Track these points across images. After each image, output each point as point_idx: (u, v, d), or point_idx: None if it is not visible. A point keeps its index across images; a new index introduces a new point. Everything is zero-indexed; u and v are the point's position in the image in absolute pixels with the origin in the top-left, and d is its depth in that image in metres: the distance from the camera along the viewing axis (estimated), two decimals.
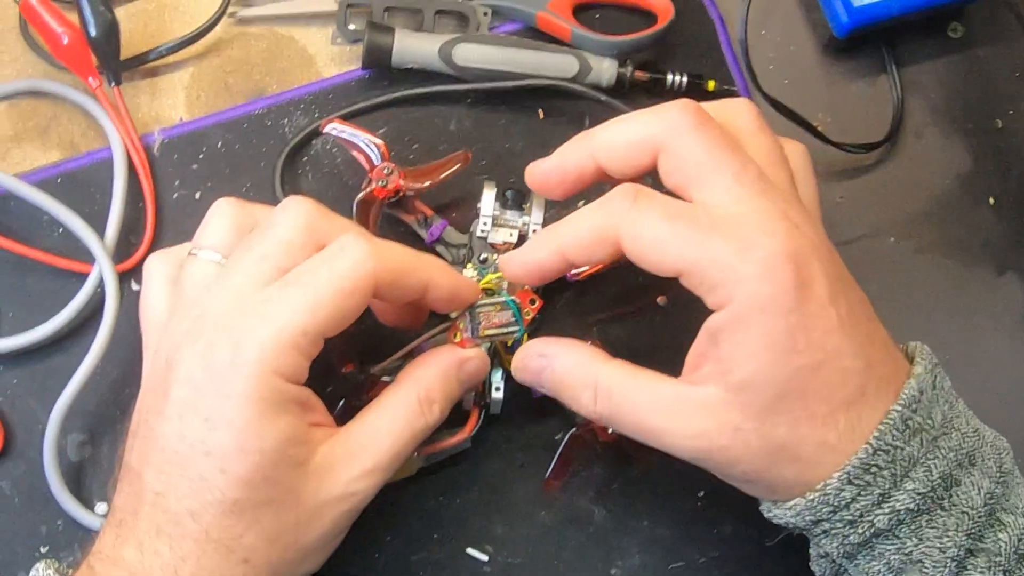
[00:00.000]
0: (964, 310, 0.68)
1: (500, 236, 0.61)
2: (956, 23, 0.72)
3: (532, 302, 0.58)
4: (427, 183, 0.61)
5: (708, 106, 0.53)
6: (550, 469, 0.59)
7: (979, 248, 0.69)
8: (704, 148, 0.50)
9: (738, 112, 0.53)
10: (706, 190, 0.49)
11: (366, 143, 0.60)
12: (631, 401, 0.51)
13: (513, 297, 0.57)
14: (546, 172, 0.54)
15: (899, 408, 0.48)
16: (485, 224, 0.61)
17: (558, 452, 0.58)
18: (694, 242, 0.48)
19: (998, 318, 0.68)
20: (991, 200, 0.69)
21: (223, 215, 0.54)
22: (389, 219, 0.62)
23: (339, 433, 0.52)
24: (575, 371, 0.53)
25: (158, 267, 0.55)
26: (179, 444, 0.48)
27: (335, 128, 0.61)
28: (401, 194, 0.60)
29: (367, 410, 0.53)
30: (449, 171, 0.61)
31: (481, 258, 0.61)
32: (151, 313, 0.54)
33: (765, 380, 0.48)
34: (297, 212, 0.51)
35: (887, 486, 0.48)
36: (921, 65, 0.71)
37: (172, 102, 0.67)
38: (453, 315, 0.56)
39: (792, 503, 0.50)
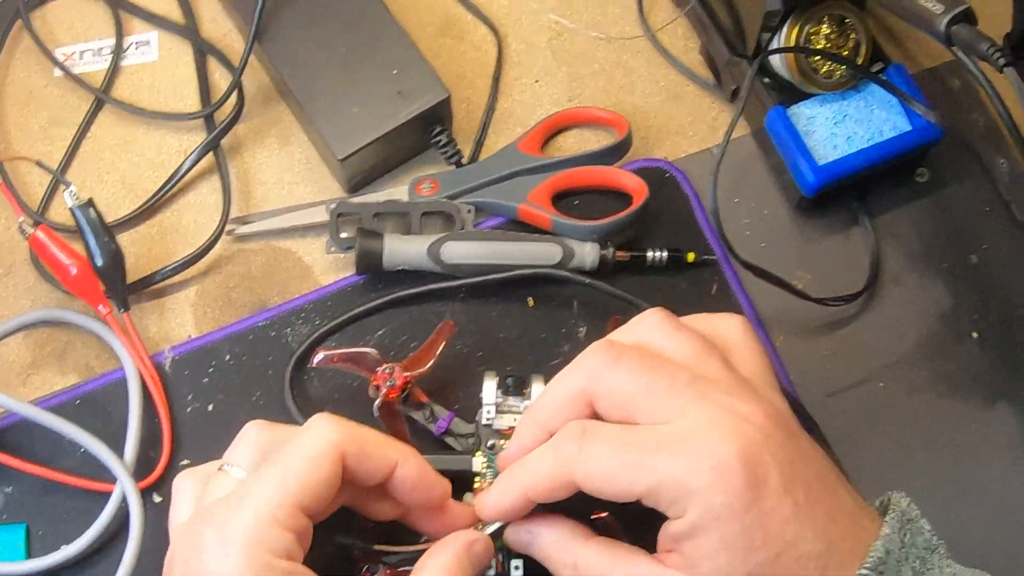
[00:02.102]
0: (960, 444, 0.69)
1: (505, 422, 0.63)
2: (922, 168, 0.74)
3: None
4: (427, 365, 0.63)
5: (698, 319, 0.56)
6: None
7: (968, 382, 0.70)
8: (627, 378, 0.52)
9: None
10: (646, 414, 0.51)
11: (358, 356, 0.63)
12: None
13: None
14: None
15: (865, 572, 0.49)
16: (489, 412, 0.63)
17: None
18: (644, 469, 0.50)
19: (994, 447, 0.69)
20: (974, 334, 0.71)
21: (250, 436, 0.55)
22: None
23: None
24: (556, 548, 0.55)
25: (187, 484, 0.57)
26: None
27: (323, 357, 0.64)
28: (410, 386, 0.63)
29: None
30: (441, 345, 0.64)
31: (489, 445, 0.63)
32: (178, 526, 0.56)
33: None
34: (316, 433, 0.53)
35: None
36: (893, 212, 0.74)
37: (180, 320, 0.70)
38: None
39: None
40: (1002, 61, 0.58)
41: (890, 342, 0.71)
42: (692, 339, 0.54)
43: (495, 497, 0.56)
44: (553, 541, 0.56)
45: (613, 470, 0.50)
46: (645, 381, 0.52)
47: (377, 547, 0.59)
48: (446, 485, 0.58)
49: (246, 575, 0.49)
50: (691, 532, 0.49)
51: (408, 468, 0.55)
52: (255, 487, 0.51)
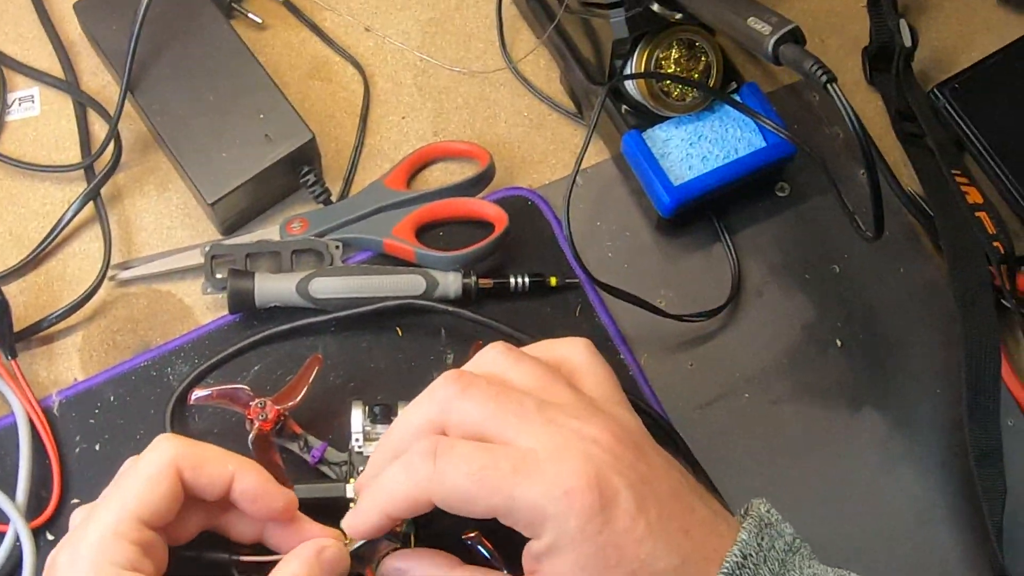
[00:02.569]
0: (827, 450, 0.71)
1: (374, 448, 0.65)
2: (782, 182, 0.77)
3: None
4: (298, 397, 0.66)
5: (541, 347, 0.58)
6: None
7: (834, 390, 0.72)
8: (476, 407, 0.54)
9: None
10: (497, 440, 0.53)
11: (232, 393, 0.66)
12: None
13: None
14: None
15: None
16: (358, 440, 0.65)
17: None
18: (500, 493, 0.51)
19: (861, 453, 0.71)
20: (838, 342, 0.73)
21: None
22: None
23: None
24: None
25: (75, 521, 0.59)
26: None
27: (199, 396, 0.66)
28: (282, 419, 0.65)
29: None
30: (309, 378, 0.66)
31: (360, 471, 0.65)
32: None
33: None
34: (157, 458, 0.55)
35: None
36: (754, 227, 0.76)
37: (68, 363, 0.72)
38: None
39: None
40: (824, 78, 0.61)
41: (754, 354, 0.73)
42: (534, 367, 0.56)
43: (357, 517, 0.57)
44: (423, 575, 0.58)
45: (470, 492, 0.52)
46: (493, 408, 0.53)
47: (243, 558, 0.60)
48: (289, 496, 0.59)
49: None
50: (549, 553, 0.51)
51: (247, 480, 0.56)
52: (100, 509, 0.53)
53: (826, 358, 0.73)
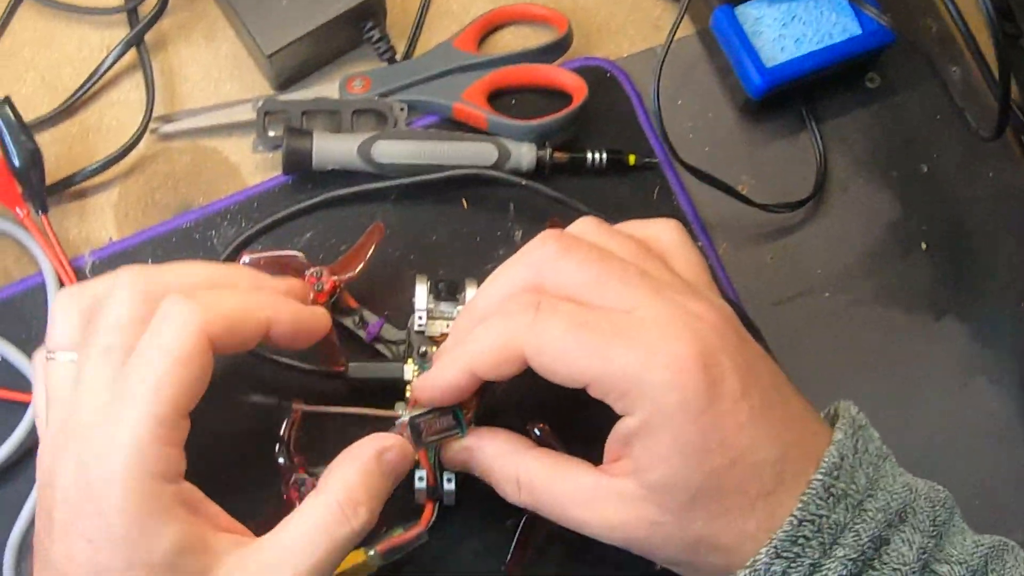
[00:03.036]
0: (904, 358, 0.68)
1: (437, 328, 0.61)
2: (872, 73, 0.72)
3: (469, 401, 0.58)
4: (357, 269, 0.61)
5: (632, 225, 0.54)
6: (509, 555, 0.58)
7: (915, 295, 0.69)
8: (578, 269, 0.50)
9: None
10: (600, 304, 0.49)
11: (285, 260, 0.61)
12: (551, 493, 0.52)
13: None
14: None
15: (820, 477, 0.48)
16: (421, 318, 0.61)
17: (516, 536, 0.58)
18: (598, 354, 0.48)
19: (939, 363, 0.68)
20: (923, 245, 0.70)
21: (64, 308, 0.52)
22: None
23: (251, 545, 0.49)
24: (497, 463, 0.53)
25: (38, 368, 0.54)
26: (70, 567, 0.47)
27: (248, 260, 0.61)
28: (338, 291, 0.60)
29: (285, 520, 0.51)
30: (371, 248, 0.61)
31: (421, 351, 0.61)
32: (38, 421, 0.53)
33: (679, 482, 0.48)
34: (124, 285, 0.50)
35: (816, 555, 0.48)
36: (841, 118, 0.72)
37: (101, 222, 0.67)
38: (396, 423, 0.55)
39: None
40: None
41: (836, 251, 0.69)
42: (630, 241, 0.53)
43: (435, 374, 0.53)
44: (494, 454, 0.54)
45: (567, 349, 0.48)
46: (596, 271, 0.50)
47: (296, 405, 0.57)
48: (324, 319, 0.55)
49: (130, 506, 0.46)
50: (642, 432, 0.48)
51: (283, 326, 0.52)
52: (126, 404, 0.47)
53: (909, 261, 0.69)
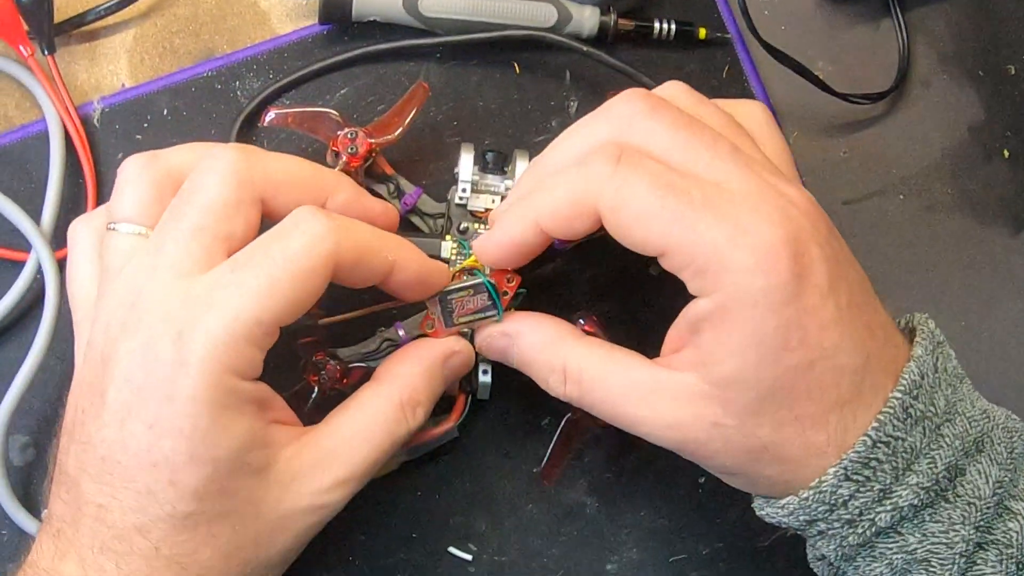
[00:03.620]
0: (978, 270, 0.64)
1: (481, 202, 0.56)
2: None
3: (509, 280, 0.53)
4: (397, 131, 0.56)
5: (717, 103, 0.49)
6: (546, 458, 0.54)
7: (993, 204, 0.65)
8: (665, 131, 0.45)
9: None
10: (687, 171, 0.45)
11: (317, 117, 0.55)
12: (602, 386, 0.47)
13: (488, 277, 0.52)
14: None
15: (899, 395, 0.44)
16: (464, 190, 0.56)
17: (555, 438, 0.53)
18: (682, 221, 0.43)
19: (1016, 277, 0.64)
20: (1005, 153, 0.65)
21: (137, 177, 0.48)
22: None
23: (307, 435, 0.47)
24: (542, 352, 0.49)
25: (83, 235, 0.50)
26: (121, 454, 0.43)
27: (276, 115, 0.56)
28: (373, 155, 0.55)
29: (341, 409, 0.49)
30: (415, 109, 0.56)
31: (461, 228, 0.56)
32: (80, 293, 0.49)
33: (750, 379, 0.43)
34: (224, 164, 0.46)
35: (888, 481, 0.44)
36: (928, 8, 0.67)
37: (113, 67, 0.62)
38: (427, 300, 0.52)
39: (784, 501, 0.46)
40: None
41: (913, 152, 0.65)
42: (722, 113, 0.48)
43: (500, 232, 0.49)
44: (536, 342, 0.49)
45: (648, 210, 0.44)
46: (685, 136, 0.45)
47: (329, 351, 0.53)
48: (444, 276, 0.52)
49: (204, 397, 0.43)
50: (718, 315, 0.43)
51: (406, 272, 0.49)
52: (229, 294, 0.44)
53: (990, 168, 0.65)
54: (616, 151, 0.45)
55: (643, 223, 0.44)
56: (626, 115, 0.46)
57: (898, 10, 0.65)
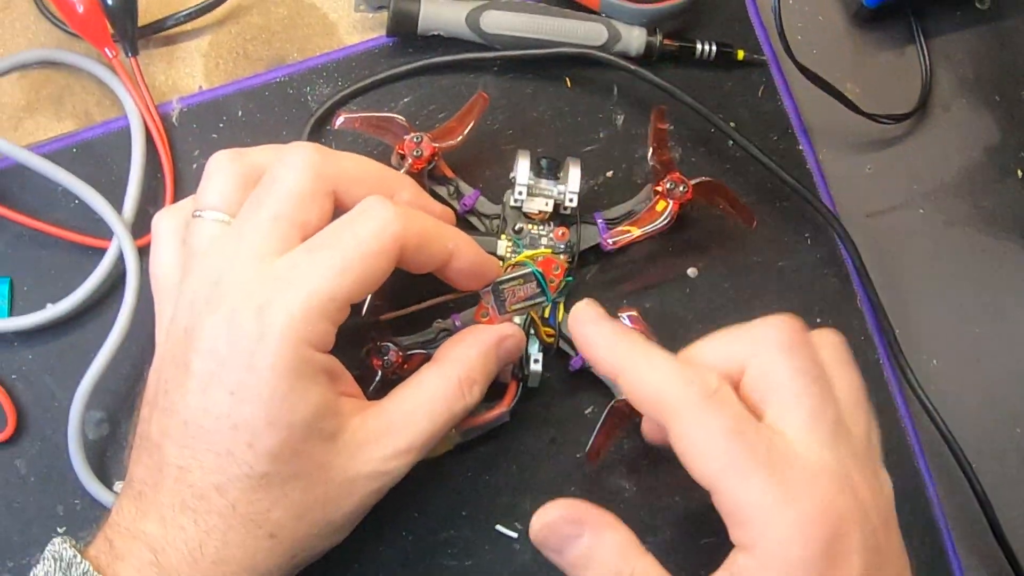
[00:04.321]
0: (993, 284, 0.67)
1: (535, 205, 0.59)
2: None
3: (556, 269, 0.57)
4: (459, 137, 0.59)
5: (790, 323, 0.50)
6: (591, 441, 0.57)
7: (1009, 221, 0.68)
8: (789, 372, 0.47)
9: (823, 343, 0.50)
10: (777, 414, 0.46)
11: (385, 122, 0.59)
12: None
13: (536, 267, 0.56)
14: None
15: None
16: (520, 193, 0.59)
17: (599, 424, 0.57)
18: (740, 470, 0.45)
19: None
20: (1019, 173, 0.69)
21: (222, 170, 0.51)
22: None
23: (373, 408, 0.51)
24: (607, 559, 0.48)
25: (167, 224, 0.53)
26: (204, 418, 0.47)
27: (347, 119, 0.59)
28: (437, 159, 0.59)
29: (403, 386, 0.52)
30: (475, 118, 0.60)
31: (516, 228, 0.60)
32: (163, 275, 0.53)
33: None
34: (302, 159, 0.50)
35: None
36: (949, 36, 0.70)
37: (190, 70, 0.65)
38: (481, 291, 0.55)
39: None
40: None
41: (934, 170, 0.68)
42: (856, 384, 0.49)
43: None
44: (604, 547, 0.48)
45: (711, 448, 0.45)
46: (800, 386, 0.46)
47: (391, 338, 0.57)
48: (497, 269, 0.55)
49: (282, 367, 0.46)
50: (754, 572, 0.44)
51: (465, 259, 0.53)
52: (305, 273, 0.47)
53: (1005, 187, 0.68)
54: (714, 387, 0.46)
55: (703, 457, 0.45)
56: (768, 337, 0.48)
57: (921, 37, 0.69)
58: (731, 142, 0.63)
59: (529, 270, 0.56)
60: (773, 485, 0.44)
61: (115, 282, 0.61)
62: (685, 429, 0.46)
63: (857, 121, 0.66)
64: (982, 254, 0.67)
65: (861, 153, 0.68)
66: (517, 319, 0.57)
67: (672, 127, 0.64)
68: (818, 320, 0.63)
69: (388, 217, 0.49)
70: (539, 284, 0.55)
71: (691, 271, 0.63)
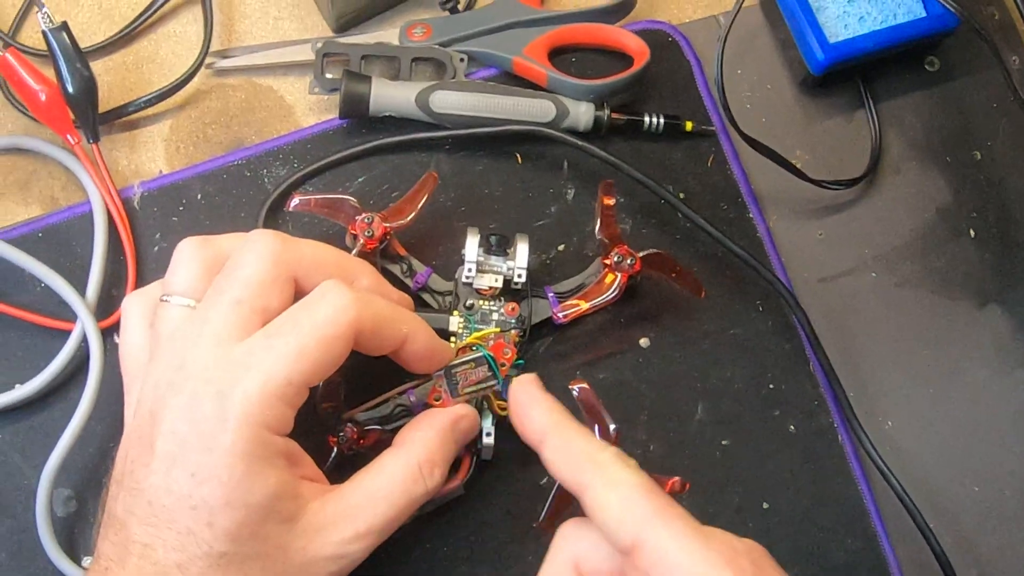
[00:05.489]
0: (947, 343, 0.67)
1: (486, 281, 0.61)
2: (932, 56, 0.72)
3: (506, 352, 0.58)
4: (410, 216, 0.61)
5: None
6: (544, 513, 0.57)
7: (960, 280, 0.69)
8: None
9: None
10: None
11: (337, 203, 0.61)
12: None
13: (487, 350, 0.57)
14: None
15: None
16: (470, 270, 0.60)
17: (552, 495, 0.57)
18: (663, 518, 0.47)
19: (981, 350, 0.68)
20: (971, 232, 0.69)
21: (189, 256, 0.53)
22: None
23: (333, 491, 0.52)
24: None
25: (135, 308, 0.55)
26: (166, 498, 0.48)
27: (300, 201, 0.61)
28: (389, 238, 0.60)
29: (364, 471, 0.54)
30: (424, 197, 0.61)
31: (467, 304, 0.61)
32: (131, 358, 0.54)
33: None
34: (262, 246, 0.51)
35: None
36: (899, 99, 0.71)
37: (152, 154, 0.67)
38: (434, 375, 0.57)
39: None
40: None
41: (885, 232, 0.69)
42: None
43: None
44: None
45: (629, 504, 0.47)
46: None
47: (346, 415, 0.58)
48: (449, 353, 0.57)
49: (240, 449, 0.48)
50: None
51: (418, 343, 0.54)
52: (263, 358, 0.49)
53: (957, 247, 0.69)
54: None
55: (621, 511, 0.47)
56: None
57: (871, 101, 0.70)
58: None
59: (480, 354, 0.57)
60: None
61: (80, 363, 0.62)
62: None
63: (807, 187, 0.67)
64: (935, 314, 0.68)
65: (812, 219, 0.68)
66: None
67: (622, 200, 0.65)
68: (771, 386, 0.64)
69: (344, 302, 0.50)
70: (490, 368, 0.57)
71: (643, 341, 0.64)
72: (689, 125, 0.67)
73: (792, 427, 0.64)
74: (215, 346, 0.49)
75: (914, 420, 0.66)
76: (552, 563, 0.51)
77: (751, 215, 0.67)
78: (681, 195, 0.65)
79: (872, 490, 0.64)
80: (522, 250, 0.61)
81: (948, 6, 0.67)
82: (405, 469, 0.53)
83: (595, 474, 0.49)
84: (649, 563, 0.46)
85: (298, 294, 0.52)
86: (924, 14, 0.69)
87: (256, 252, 0.51)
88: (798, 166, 0.67)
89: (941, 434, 0.66)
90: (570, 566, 0.50)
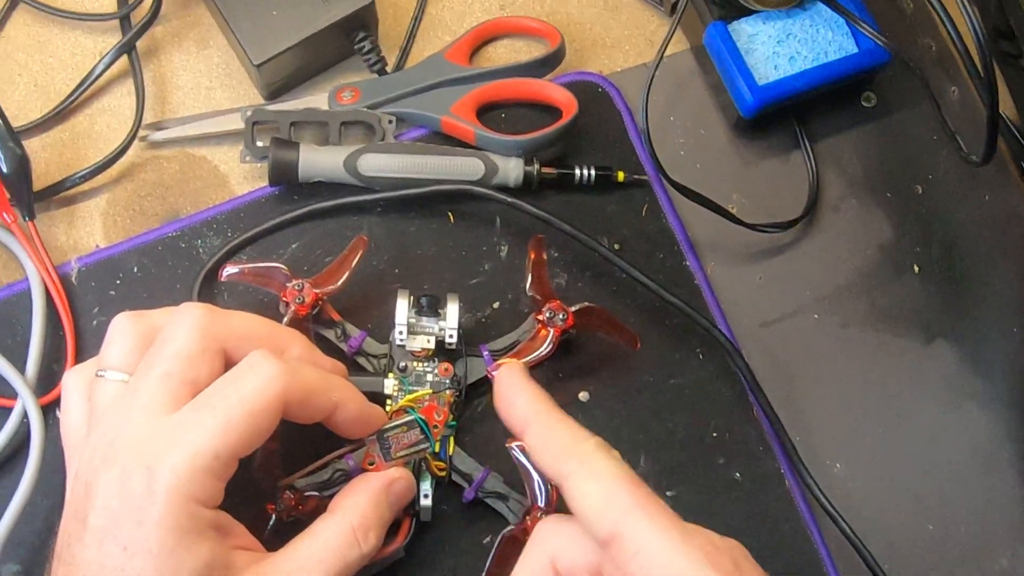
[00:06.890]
0: (895, 381, 0.67)
1: (418, 343, 0.61)
2: (869, 92, 0.72)
3: (438, 415, 0.58)
4: (340, 281, 0.61)
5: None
6: (485, 571, 0.58)
7: (906, 317, 0.68)
8: None
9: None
10: None
11: (267, 272, 0.61)
12: None
13: (419, 414, 0.58)
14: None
15: None
16: (401, 332, 0.60)
17: (492, 554, 0.57)
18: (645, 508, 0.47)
19: (930, 385, 0.67)
20: (915, 268, 0.69)
21: (122, 332, 0.54)
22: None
23: (267, 560, 0.52)
24: None
25: (74, 384, 0.55)
26: (99, 572, 0.48)
27: (230, 272, 0.61)
28: (320, 303, 0.60)
29: (299, 538, 0.53)
30: (354, 261, 0.61)
31: (401, 366, 0.61)
32: (71, 433, 0.55)
33: None
34: (191, 319, 0.52)
35: None
36: (836, 137, 0.71)
37: (89, 229, 0.67)
38: (366, 439, 0.57)
39: None
40: None
41: (826, 273, 0.69)
42: None
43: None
44: None
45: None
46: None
47: (284, 482, 0.57)
48: (382, 417, 0.57)
49: (169, 523, 0.48)
50: None
51: (348, 411, 0.54)
52: (190, 432, 0.49)
53: (901, 283, 0.69)
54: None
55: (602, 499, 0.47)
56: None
57: (806, 141, 0.70)
58: None
59: (412, 418, 0.57)
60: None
61: (23, 439, 0.62)
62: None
63: (745, 232, 0.67)
64: (881, 353, 0.67)
65: (751, 264, 0.68)
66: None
67: (556, 254, 0.65)
68: (714, 434, 0.64)
69: (271, 373, 0.50)
70: (423, 431, 0.57)
71: (583, 395, 0.64)
72: (621, 175, 0.66)
73: (738, 474, 0.63)
74: (145, 420, 0.50)
75: (864, 461, 0.65)
76: (528, 559, 0.51)
77: (688, 263, 0.66)
78: (617, 246, 0.65)
79: (823, 535, 0.63)
80: (452, 310, 0.61)
81: (878, 40, 0.67)
82: (339, 534, 0.53)
83: (577, 464, 0.48)
84: (628, 555, 0.46)
85: (229, 365, 0.52)
86: (856, 50, 0.69)
87: (185, 325, 0.52)
88: (734, 210, 0.67)
89: (893, 473, 0.65)
90: (547, 562, 0.50)
